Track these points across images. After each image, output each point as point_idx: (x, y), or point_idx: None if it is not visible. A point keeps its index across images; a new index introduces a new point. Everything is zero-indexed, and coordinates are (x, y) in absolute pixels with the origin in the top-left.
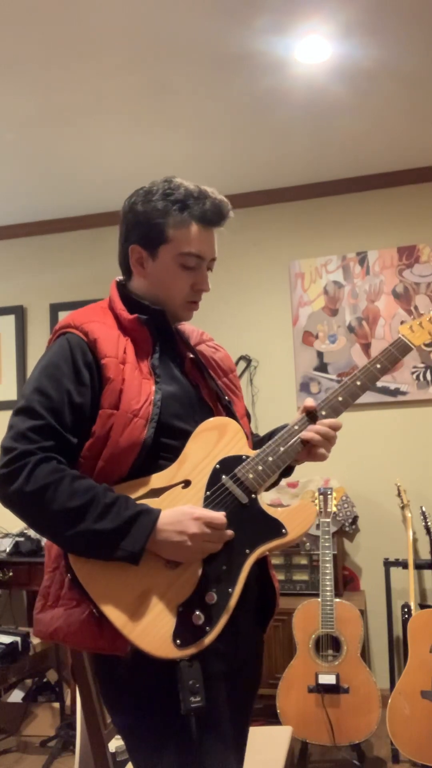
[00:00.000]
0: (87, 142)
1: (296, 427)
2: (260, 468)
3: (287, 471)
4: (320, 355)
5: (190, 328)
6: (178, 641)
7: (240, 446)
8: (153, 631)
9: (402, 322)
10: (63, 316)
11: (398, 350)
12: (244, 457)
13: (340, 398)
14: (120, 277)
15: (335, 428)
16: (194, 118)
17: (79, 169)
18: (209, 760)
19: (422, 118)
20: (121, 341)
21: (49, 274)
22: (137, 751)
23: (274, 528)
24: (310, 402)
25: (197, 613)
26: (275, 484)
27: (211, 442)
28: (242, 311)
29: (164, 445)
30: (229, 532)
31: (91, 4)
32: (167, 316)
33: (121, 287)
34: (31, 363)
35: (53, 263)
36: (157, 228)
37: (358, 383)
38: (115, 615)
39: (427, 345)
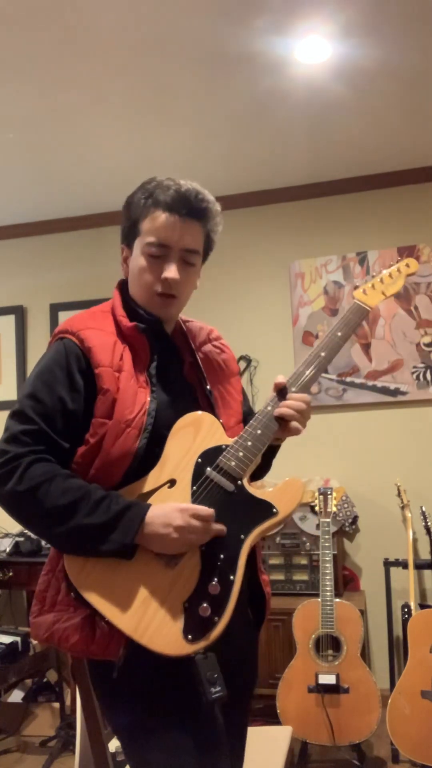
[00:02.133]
0: (87, 142)
1: (269, 408)
2: (241, 454)
3: (272, 452)
4: None
5: (198, 325)
6: (189, 636)
7: (218, 437)
8: (163, 631)
9: (355, 287)
10: (63, 316)
11: (355, 315)
12: (223, 446)
13: (308, 372)
14: (123, 278)
15: (306, 402)
16: (194, 118)
17: (79, 169)
18: (202, 760)
19: (422, 118)
20: (117, 348)
21: (49, 274)
22: (132, 751)
23: (265, 509)
24: (280, 379)
25: (204, 605)
26: (267, 469)
27: (189, 438)
28: (242, 311)
29: (157, 454)
30: (219, 526)
31: (92, 4)
32: (163, 324)
33: (123, 291)
34: (31, 363)
35: (53, 263)
36: (131, 221)
37: (323, 354)
38: (123, 622)
39: (426, 345)
